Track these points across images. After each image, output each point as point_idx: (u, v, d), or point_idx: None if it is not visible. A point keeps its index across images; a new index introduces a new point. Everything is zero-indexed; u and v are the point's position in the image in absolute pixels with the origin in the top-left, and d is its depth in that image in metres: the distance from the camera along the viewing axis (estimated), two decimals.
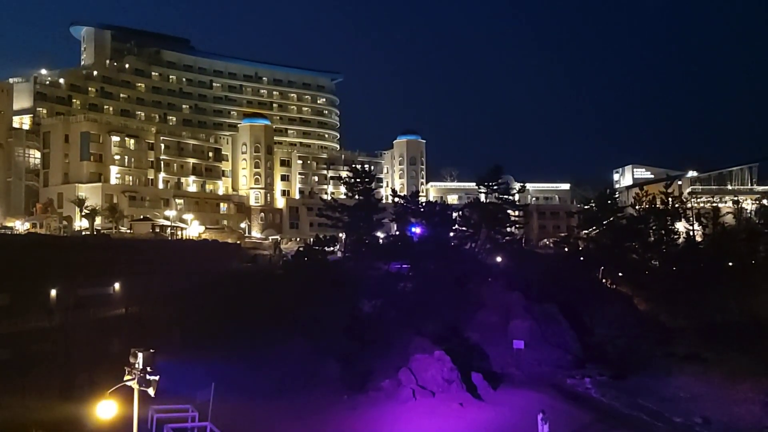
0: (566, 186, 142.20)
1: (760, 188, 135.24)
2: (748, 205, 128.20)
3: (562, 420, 37.29)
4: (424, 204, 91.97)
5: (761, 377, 56.60)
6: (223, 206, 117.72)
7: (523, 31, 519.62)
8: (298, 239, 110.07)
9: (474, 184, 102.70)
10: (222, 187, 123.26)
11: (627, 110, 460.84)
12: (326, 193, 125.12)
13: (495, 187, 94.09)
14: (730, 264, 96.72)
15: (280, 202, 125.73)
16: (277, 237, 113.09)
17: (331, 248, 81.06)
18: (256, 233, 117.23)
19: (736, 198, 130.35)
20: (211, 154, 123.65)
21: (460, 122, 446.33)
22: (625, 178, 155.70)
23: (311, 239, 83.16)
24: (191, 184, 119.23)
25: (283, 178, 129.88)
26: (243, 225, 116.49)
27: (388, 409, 40.04)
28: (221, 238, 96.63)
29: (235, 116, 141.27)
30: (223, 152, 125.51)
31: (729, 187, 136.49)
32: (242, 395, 40.12)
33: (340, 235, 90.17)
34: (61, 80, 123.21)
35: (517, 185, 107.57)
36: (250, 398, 40.11)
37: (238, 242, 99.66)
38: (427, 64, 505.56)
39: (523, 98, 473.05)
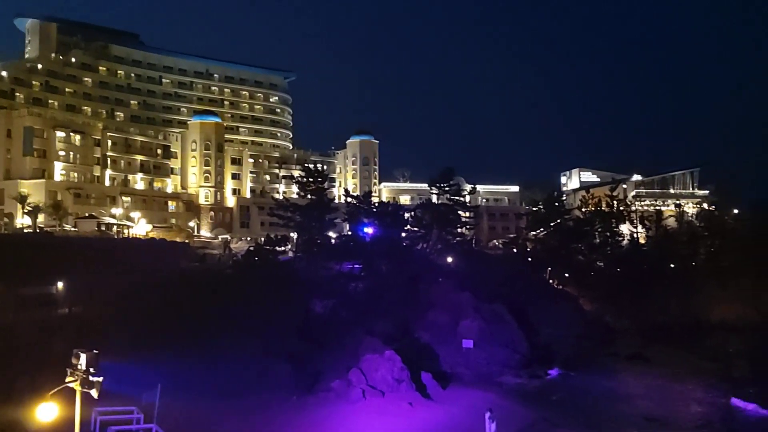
0: (516, 188, 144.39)
1: (701, 192, 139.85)
2: (690, 208, 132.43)
3: (509, 418, 37.88)
4: (376, 204, 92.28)
5: (701, 376, 58.67)
6: (172, 204, 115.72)
7: (476, 35, 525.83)
8: (248, 239, 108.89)
9: (426, 185, 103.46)
10: (171, 185, 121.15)
11: (575, 114, 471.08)
12: (278, 193, 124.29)
13: (447, 189, 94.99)
14: (672, 266, 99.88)
15: (231, 201, 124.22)
16: (227, 236, 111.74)
17: (283, 248, 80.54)
18: (205, 232, 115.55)
19: (678, 202, 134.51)
20: (159, 151, 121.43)
21: (414, 124, 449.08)
22: (572, 181, 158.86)
23: (262, 239, 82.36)
24: (139, 181, 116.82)
25: (234, 176, 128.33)
26: (192, 224, 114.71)
27: (338, 410, 40.00)
28: (169, 237, 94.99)
29: (185, 113, 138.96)
30: (172, 149, 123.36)
31: (671, 191, 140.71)
32: (190, 396, 39.48)
33: (292, 234, 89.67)
34: (4, 73, 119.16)
35: (468, 187, 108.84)
36: (198, 399, 39.50)
37: (187, 241, 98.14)
38: (381, 65, 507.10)
39: (474, 101, 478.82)
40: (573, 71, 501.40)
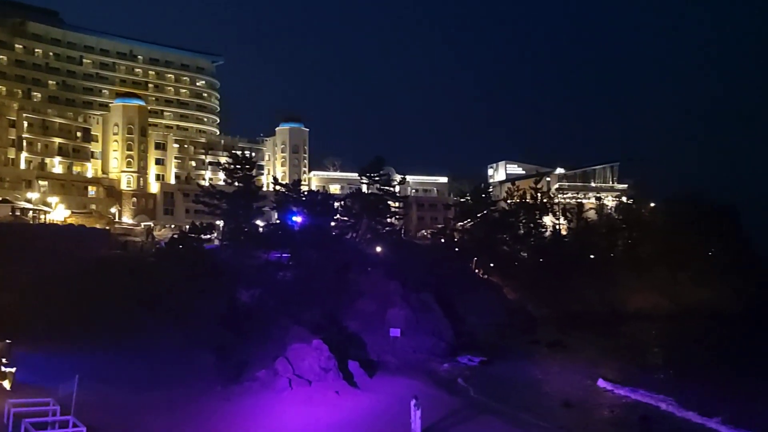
0: (444, 179, 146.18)
1: (620, 186, 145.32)
2: (609, 201, 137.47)
3: (434, 405, 38.54)
4: (306, 193, 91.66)
5: (617, 362, 61.32)
6: (92, 190, 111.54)
7: (405, 25, 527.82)
8: (172, 226, 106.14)
9: (356, 174, 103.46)
10: (91, 169, 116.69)
11: (503, 108, 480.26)
12: (204, 179, 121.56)
13: (377, 178, 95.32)
14: (592, 256, 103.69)
15: (154, 187, 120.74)
16: (150, 223, 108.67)
17: (208, 236, 79.09)
18: (127, 219, 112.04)
19: (598, 195, 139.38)
20: (79, 134, 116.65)
21: (344, 113, 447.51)
22: (498, 173, 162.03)
23: (187, 226, 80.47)
24: (57, 165, 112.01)
25: (158, 161, 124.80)
26: (113, 210, 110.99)
27: (264, 399, 39.72)
28: (89, 223, 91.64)
29: (107, 95, 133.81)
30: (92, 132, 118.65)
31: (592, 184, 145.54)
32: (110, 387, 38.48)
33: (218, 222, 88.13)
34: None
35: (398, 177, 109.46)
36: (119, 390, 38.51)
37: (108, 228, 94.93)
38: (312, 53, 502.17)
39: (405, 92, 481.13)
40: (501, 65, 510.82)
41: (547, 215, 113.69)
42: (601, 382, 51.19)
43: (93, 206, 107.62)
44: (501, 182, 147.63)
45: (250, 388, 42.05)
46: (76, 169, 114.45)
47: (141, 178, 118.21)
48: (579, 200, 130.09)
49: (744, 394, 47.84)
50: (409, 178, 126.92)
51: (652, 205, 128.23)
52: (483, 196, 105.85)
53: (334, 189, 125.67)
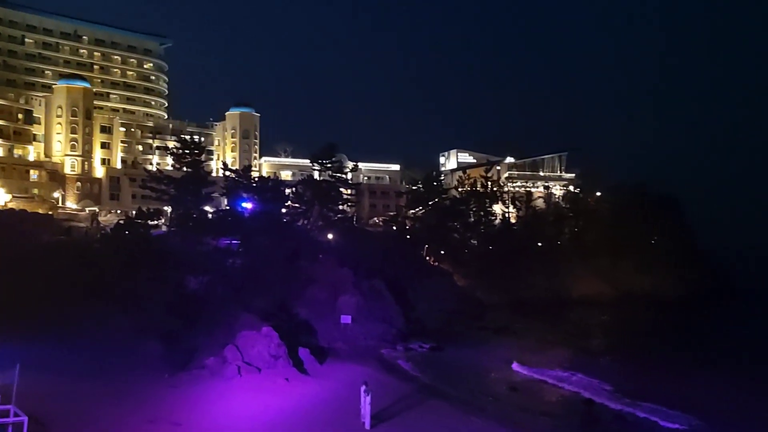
0: (397, 167, 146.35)
1: (568, 175, 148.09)
2: (557, 190, 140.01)
3: (384, 391, 38.86)
4: (256, 179, 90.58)
5: (562, 346, 62.81)
6: (34, 173, 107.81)
7: (358, 11, 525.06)
8: (118, 211, 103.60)
9: (308, 161, 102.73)
10: (33, 152, 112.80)
11: (455, 96, 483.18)
12: (151, 164, 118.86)
13: (329, 165, 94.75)
14: (539, 244, 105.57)
15: (100, 172, 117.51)
16: (95, 208, 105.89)
17: (156, 222, 77.46)
18: (71, 204, 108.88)
19: (546, 184, 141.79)
20: (20, 116, 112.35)
21: (296, 98, 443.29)
22: (450, 161, 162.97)
23: (134, 212, 78.67)
24: None
25: (104, 145, 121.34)
26: (56, 194, 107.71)
27: (212, 387, 39.39)
28: (30, 208, 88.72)
29: (51, 76, 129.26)
30: (35, 114, 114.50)
31: (541, 173, 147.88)
32: (54, 376, 37.62)
33: (166, 208, 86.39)
34: None
35: (350, 164, 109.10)
36: (63, 379, 37.71)
37: (51, 213, 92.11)
38: (264, 37, 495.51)
39: (357, 79, 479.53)
40: (452, 56, 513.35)
41: (497, 204, 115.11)
42: (515, 366, 52.50)
43: (35, 191, 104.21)
44: (452, 170, 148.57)
45: (199, 375, 41.66)
46: (17, 152, 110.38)
47: (86, 162, 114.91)
48: (528, 189, 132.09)
49: (680, 377, 49.67)
50: (361, 165, 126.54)
51: (598, 194, 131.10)
52: (434, 184, 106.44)
53: (286, 175, 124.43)
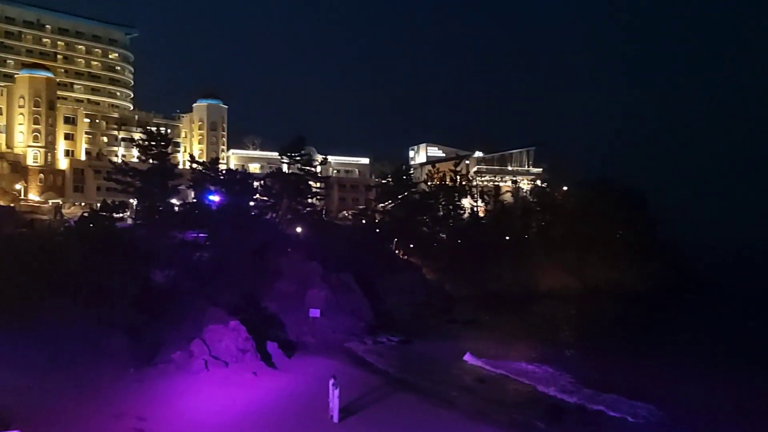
0: (366, 160, 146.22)
1: (535, 170, 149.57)
2: (525, 185, 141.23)
3: (353, 384, 38.89)
4: (224, 172, 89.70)
5: (528, 339, 63.44)
6: None
7: (329, 3, 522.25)
8: (82, 204, 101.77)
9: (277, 154, 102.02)
10: None
11: (424, 90, 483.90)
12: (117, 156, 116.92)
13: (297, 158, 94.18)
14: (507, 238, 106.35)
15: (63, 163, 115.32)
16: (59, 201, 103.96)
17: (121, 215, 76.27)
18: (33, 196, 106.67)
19: (514, 178, 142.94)
20: None
21: (265, 90, 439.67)
22: (419, 155, 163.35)
23: (98, 204, 77.31)
24: None
25: (67, 136, 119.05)
26: (18, 186, 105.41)
27: (179, 381, 39.00)
28: None
29: (13, 66, 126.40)
30: None
31: (509, 167, 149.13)
32: (15, 370, 36.95)
33: (132, 201, 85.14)
34: None
35: (320, 157, 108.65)
36: (24, 373, 37.01)
37: (12, 205, 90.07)
38: (230, 29, 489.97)
39: (326, 71, 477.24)
40: (423, 49, 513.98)
41: (466, 197, 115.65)
42: (467, 357, 53.15)
43: None
44: (422, 164, 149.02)
45: (165, 370, 41.23)
46: None
47: (49, 154, 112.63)
48: (496, 183, 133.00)
49: (642, 369, 50.58)
50: (330, 158, 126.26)
51: (565, 188, 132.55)
52: (404, 177, 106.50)
53: (254, 168, 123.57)
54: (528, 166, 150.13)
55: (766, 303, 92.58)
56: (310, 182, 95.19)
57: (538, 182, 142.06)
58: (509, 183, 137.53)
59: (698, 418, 39.13)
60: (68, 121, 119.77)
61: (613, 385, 44.80)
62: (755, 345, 61.55)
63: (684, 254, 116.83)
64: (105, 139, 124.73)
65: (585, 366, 52.06)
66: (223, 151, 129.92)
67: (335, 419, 33.31)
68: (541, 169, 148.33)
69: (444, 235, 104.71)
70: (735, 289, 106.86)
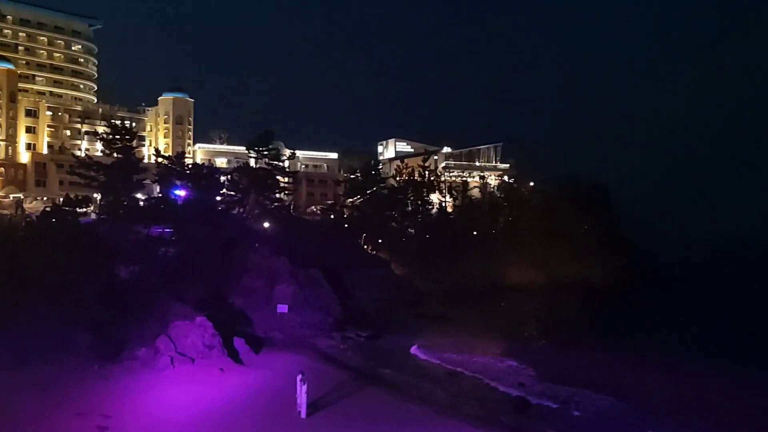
0: (335, 155, 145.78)
1: (502, 166, 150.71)
2: (492, 180, 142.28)
3: (321, 380, 38.86)
4: (190, 166, 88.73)
5: (495, 333, 64.02)
6: None
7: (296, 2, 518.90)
8: (45, 198, 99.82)
9: (244, 148, 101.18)
10: None
11: (394, 86, 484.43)
12: (80, 149, 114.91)
13: (265, 153, 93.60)
14: (475, 233, 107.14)
15: (25, 157, 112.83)
16: (20, 195, 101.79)
17: (84, 209, 74.98)
18: None
19: (482, 174, 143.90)
20: None
21: (232, 84, 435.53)
22: (388, 150, 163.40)
23: (61, 199, 75.89)
24: None
25: (29, 129, 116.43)
26: None
27: (144, 378, 38.54)
28: None
29: None
30: None
31: (477, 163, 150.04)
32: None
33: (95, 195, 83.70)
34: None
35: (288, 152, 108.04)
36: None
37: None
38: (197, 22, 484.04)
39: (294, 66, 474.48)
40: (392, 45, 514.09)
41: (434, 193, 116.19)
42: (413, 349, 53.72)
43: None
44: (390, 159, 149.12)
45: (130, 366, 40.73)
46: None
47: (9, 147, 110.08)
48: (464, 179, 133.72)
49: (605, 362, 51.42)
50: (299, 153, 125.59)
51: (532, 184, 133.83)
52: (373, 173, 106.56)
53: (221, 163, 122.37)
54: (495, 162, 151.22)
55: (728, 297, 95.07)
56: (278, 177, 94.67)
57: (506, 178, 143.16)
58: (477, 178, 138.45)
59: (658, 409, 39.97)
60: (30, 113, 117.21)
61: (575, 378, 45.64)
62: (716, 338, 63.15)
63: (648, 249, 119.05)
64: (68, 132, 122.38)
65: (549, 360, 52.83)
66: (189, 145, 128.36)
67: (303, 415, 33.24)
68: (508, 165, 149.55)
69: (412, 231, 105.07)
70: (698, 283, 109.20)
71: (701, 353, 55.93)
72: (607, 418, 38.31)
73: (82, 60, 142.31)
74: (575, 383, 44.35)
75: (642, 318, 77.70)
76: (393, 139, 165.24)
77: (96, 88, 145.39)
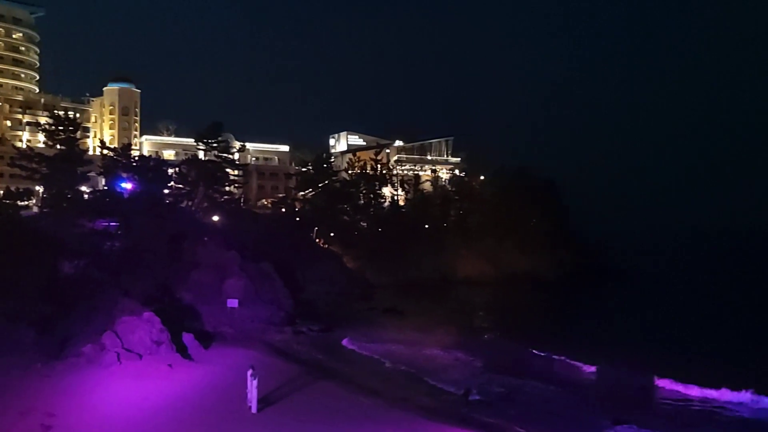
0: (286, 148, 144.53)
1: (454, 159, 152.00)
2: (444, 174, 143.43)
3: (272, 374, 38.62)
4: (136, 158, 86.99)
5: (445, 325, 64.66)
6: None
7: None
8: None
9: (192, 140, 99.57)
10: None
11: (346, 79, 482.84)
12: (21, 141, 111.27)
13: (214, 145, 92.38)
14: (427, 226, 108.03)
15: None
16: None
17: (26, 202, 72.81)
18: None
19: (434, 167, 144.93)
20: None
21: (180, 74, 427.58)
22: (340, 143, 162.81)
23: (1, 191, 73.53)
24: None
25: None
26: None
27: (90, 375, 37.60)
28: None
29: None
30: None
31: (429, 157, 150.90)
32: None
33: (37, 188, 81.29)
34: None
35: (237, 144, 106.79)
36: None
37: None
38: (143, 9, 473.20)
39: (244, 56, 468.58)
40: (343, 37, 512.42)
41: (386, 186, 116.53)
42: (345, 342, 54.57)
43: None
44: (342, 153, 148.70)
45: (75, 364, 39.70)
46: None
47: None
48: (416, 172, 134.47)
49: (550, 353, 52.51)
50: (249, 145, 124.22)
51: (482, 177, 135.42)
52: (324, 166, 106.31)
53: (169, 155, 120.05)
54: (447, 156, 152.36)
55: (673, 289, 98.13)
56: (228, 170, 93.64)
57: (457, 171, 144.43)
58: (429, 172, 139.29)
59: (602, 399, 41.13)
60: None
61: (522, 369, 46.61)
62: (661, 330, 65.14)
63: (597, 243, 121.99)
64: (8, 123, 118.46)
65: (496, 351, 53.75)
66: (135, 136, 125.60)
67: (253, 410, 32.98)
68: (459, 159, 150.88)
69: (365, 224, 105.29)
70: (645, 276, 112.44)
71: (646, 343, 57.47)
72: (552, 407, 39.14)
73: (23, 48, 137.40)
74: (521, 374, 45.26)
75: (587, 310, 79.41)
76: (345, 132, 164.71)
77: (38, 78, 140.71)
